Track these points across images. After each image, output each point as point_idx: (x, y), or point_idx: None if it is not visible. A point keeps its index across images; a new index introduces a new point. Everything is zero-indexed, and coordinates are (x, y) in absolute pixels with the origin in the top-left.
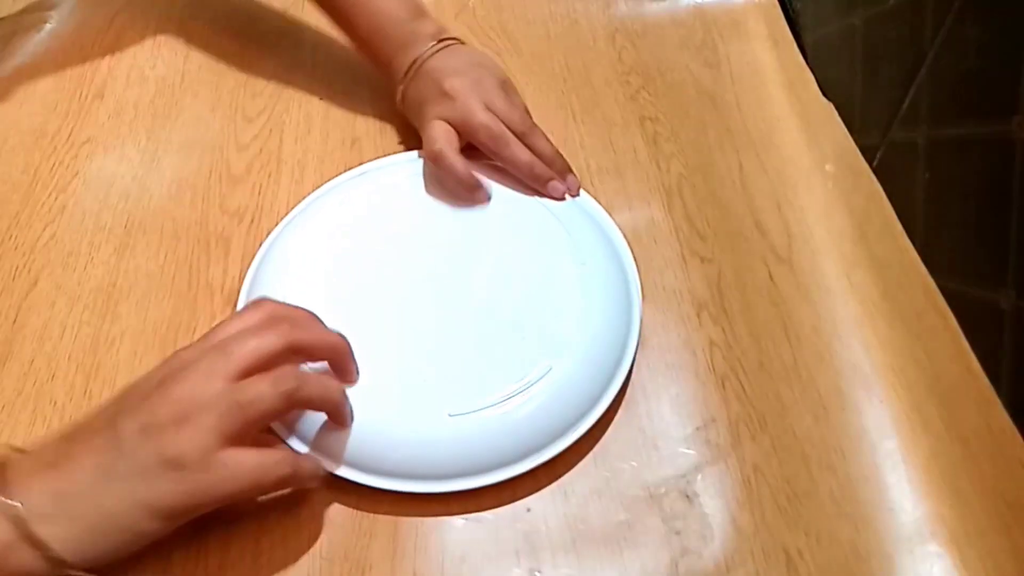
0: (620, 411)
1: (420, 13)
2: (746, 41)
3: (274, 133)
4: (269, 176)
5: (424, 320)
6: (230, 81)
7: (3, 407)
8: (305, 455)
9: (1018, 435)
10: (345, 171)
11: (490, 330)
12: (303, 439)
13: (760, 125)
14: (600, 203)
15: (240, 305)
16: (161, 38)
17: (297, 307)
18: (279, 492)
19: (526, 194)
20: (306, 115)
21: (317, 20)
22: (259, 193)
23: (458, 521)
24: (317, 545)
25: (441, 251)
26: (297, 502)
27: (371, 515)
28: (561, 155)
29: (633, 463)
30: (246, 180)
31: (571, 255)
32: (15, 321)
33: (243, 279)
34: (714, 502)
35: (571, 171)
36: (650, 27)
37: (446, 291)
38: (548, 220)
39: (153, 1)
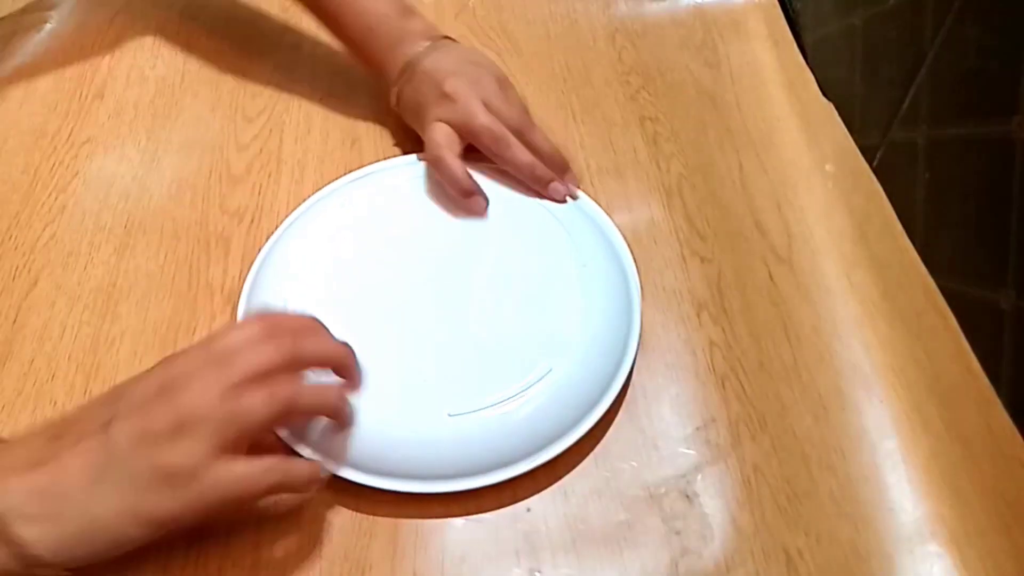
0: (620, 411)
1: (409, 11)
2: (746, 41)
3: (274, 133)
4: (269, 176)
5: (424, 321)
6: (230, 81)
7: (3, 407)
8: (300, 460)
9: (1018, 435)
10: (345, 172)
11: (490, 331)
12: (303, 440)
13: (760, 125)
14: (600, 203)
15: (240, 306)
16: (161, 38)
17: (300, 316)
18: (278, 496)
19: (526, 195)
20: (306, 115)
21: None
22: (259, 193)
23: (458, 521)
24: (317, 545)
25: (442, 252)
26: (297, 502)
27: (371, 515)
28: (560, 153)
29: (633, 463)
30: (246, 180)
31: (571, 256)
32: (15, 321)
33: (243, 279)
34: (714, 502)
35: (570, 169)
36: (650, 27)
37: (447, 292)
38: (548, 221)
39: (153, 1)
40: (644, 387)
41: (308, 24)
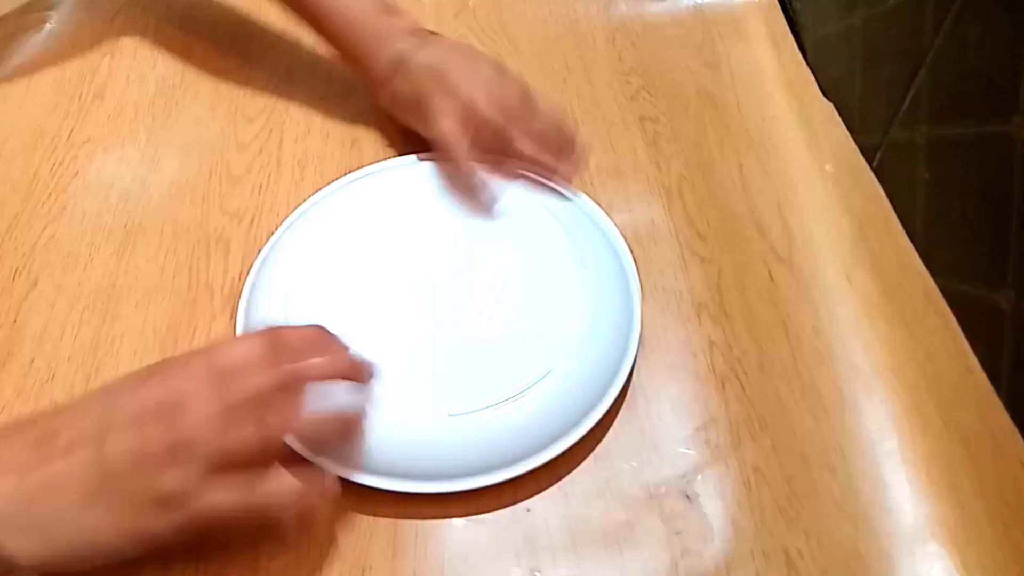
0: (620, 412)
1: (392, 8)
2: (746, 41)
3: (274, 133)
4: (269, 176)
5: (425, 321)
6: (230, 81)
7: (3, 407)
8: (301, 474)
9: (1018, 435)
10: (345, 172)
11: (490, 331)
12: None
13: (760, 125)
14: (600, 203)
15: (240, 306)
16: (161, 38)
17: (306, 329)
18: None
19: (526, 195)
20: (306, 115)
21: None
22: (259, 193)
23: (458, 521)
24: (317, 545)
25: (442, 252)
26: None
27: (371, 515)
28: (564, 128)
29: (633, 463)
30: (246, 180)
31: (571, 256)
32: (15, 321)
33: (243, 279)
34: (714, 502)
35: (575, 143)
36: (650, 27)
37: (446, 292)
38: (548, 221)
39: (153, 1)
40: (644, 387)
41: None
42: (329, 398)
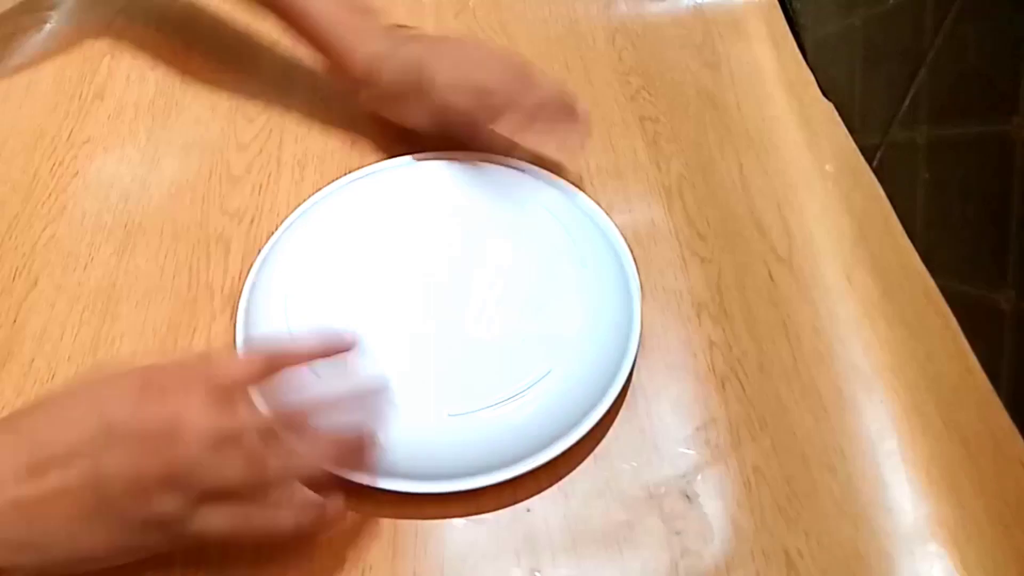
0: (620, 412)
1: (366, 9)
2: (746, 41)
3: (274, 133)
4: (269, 176)
5: (425, 321)
6: (230, 81)
7: (3, 407)
8: (302, 499)
9: (1018, 435)
10: (345, 172)
11: (490, 331)
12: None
13: (760, 125)
14: (600, 203)
15: (240, 307)
16: (161, 38)
17: (305, 345)
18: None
19: (526, 195)
20: (306, 115)
21: None
22: (259, 193)
23: (458, 521)
24: (317, 545)
25: (442, 252)
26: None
27: (371, 515)
28: (564, 96)
29: (633, 463)
30: (246, 180)
31: (571, 256)
32: (15, 321)
33: (243, 280)
34: (714, 502)
35: (577, 110)
36: (650, 27)
37: (447, 292)
38: (548, 221)
39: (153, 1)
40: (644, 387)
41: None
42: (335, 419)
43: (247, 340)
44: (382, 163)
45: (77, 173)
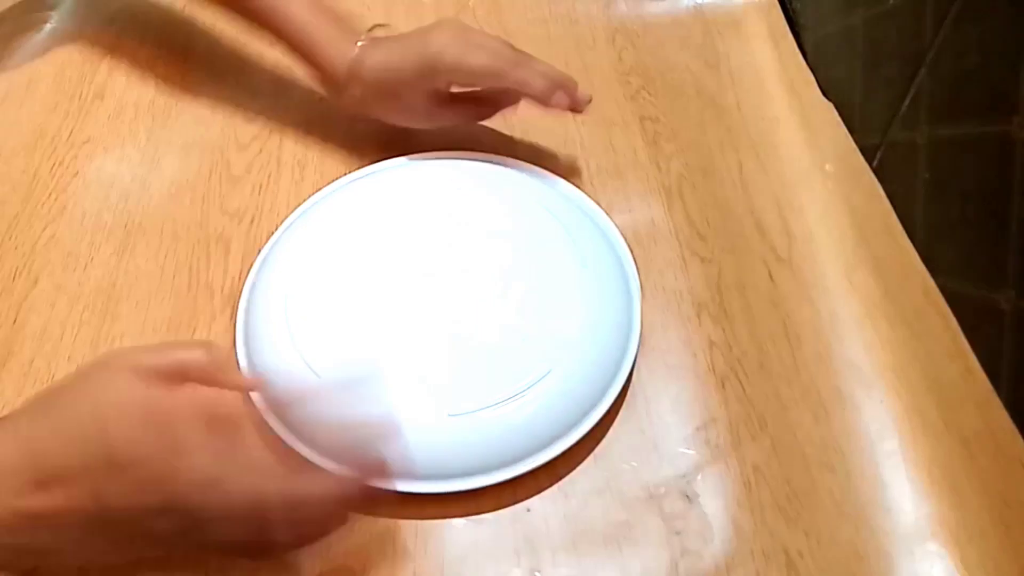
0: (620, 412)
1: (339, 15)
2: (746, 41)
3: (274, 133)
4: (269, 176)
5: (424, 321)
6: (230, 81)
7: (3, 407)
8: (308, 515)
9: (1018, 435)
10: (345, 172)
11: (491, 331)
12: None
13: (760, 125)
14: (600, 203)
15: (240, 307)
16: (161, 38)
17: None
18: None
19: (526, 195)
20: (306, 115)
21: None
22: (259, 193)
23: (458, 521)
24: (316, 545)
25: (442, 253)
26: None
27: (371, 515)
28: (562, 75)
29: (633, 463)
30: (246, 180)
31: (571, 256)
32: (15, 321)
33: (243, 279)
34: (714, 502)
35: (574, 82)
36: (650, 27)
37: (446, 292)
38: (548, 221)
39: (153, 1)
40: (644, 387)
41: None
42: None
43: (251, 364)
44: (382, 163)
45: (77, 173)
